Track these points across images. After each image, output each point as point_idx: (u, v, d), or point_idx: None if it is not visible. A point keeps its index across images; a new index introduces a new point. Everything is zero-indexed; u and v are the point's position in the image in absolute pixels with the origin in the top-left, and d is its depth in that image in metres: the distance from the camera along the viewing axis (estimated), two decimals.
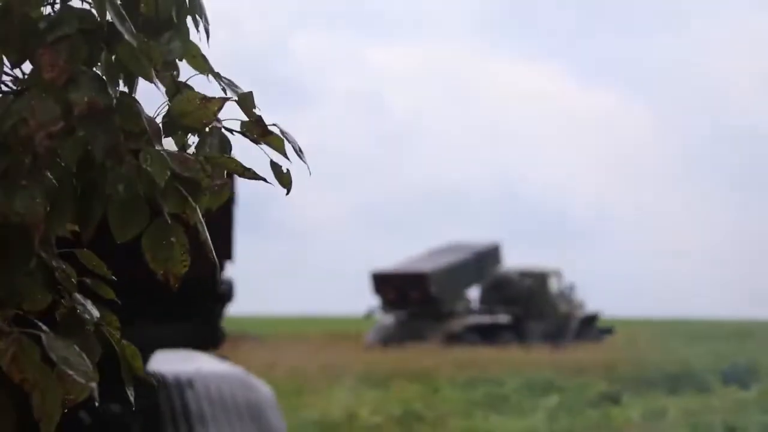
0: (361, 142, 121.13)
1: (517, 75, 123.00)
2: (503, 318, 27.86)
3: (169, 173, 1.52)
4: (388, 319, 28.10)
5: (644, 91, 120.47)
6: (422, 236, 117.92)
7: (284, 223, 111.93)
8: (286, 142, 1.68)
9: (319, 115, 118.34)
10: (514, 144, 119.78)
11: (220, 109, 1.61)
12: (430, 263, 27.91)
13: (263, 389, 6.47)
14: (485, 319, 27.72)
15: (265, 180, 1.67)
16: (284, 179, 1.69)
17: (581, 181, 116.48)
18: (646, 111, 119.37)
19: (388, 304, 27.91)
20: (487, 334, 26.43)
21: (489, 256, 29.34)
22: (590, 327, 29.16)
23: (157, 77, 1.60)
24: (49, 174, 1.49)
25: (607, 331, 30.10)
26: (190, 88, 1.67)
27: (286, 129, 1.69)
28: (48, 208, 1.47)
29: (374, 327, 28.29)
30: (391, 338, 26.09)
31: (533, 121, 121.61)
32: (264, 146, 1.69)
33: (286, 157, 1.68)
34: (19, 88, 1.54)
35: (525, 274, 29.26)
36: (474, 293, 29.21)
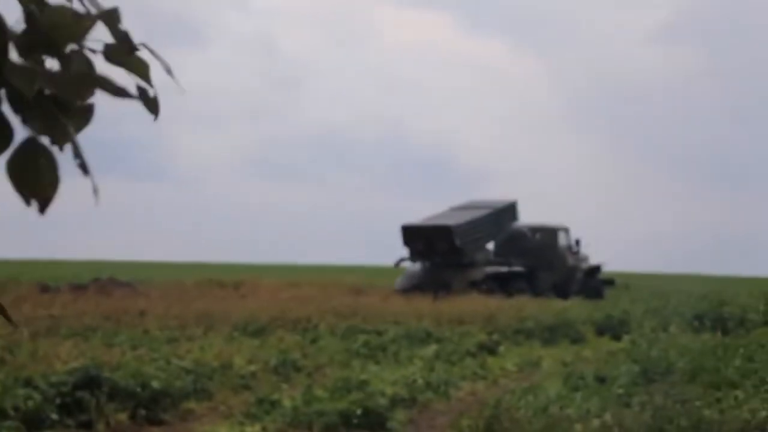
0: (250, 85, 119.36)
1: (404, 21, 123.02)
2: (518, 268, 30.22)
3: (36, 88, 1.38)
4: (415, 268, 30.30)
5: (531, 40, 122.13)
6: (310, 181, 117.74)
7: (168, 168, 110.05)
8: (150, 68, 1.57)
9: (207, 56, 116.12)
10: (402, 90, 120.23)
11: (92, 25, 1.49)
12: (455, 218, 30.08)
13: None
14: (503, 268, 29.92)
15: (139, 99, 1.56)
16: (151, 104, 1.58)
17: (468, 128, 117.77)
18: (533, 60, 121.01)
19: (416, 254, 30.04)
20: (504, 283, 28.71)
21: (506, 212, 31.72)
22: (594, 278, 32.18)
23: None
24: None
25: (610, 282, 32.95)
26: (48, 5, 1.50)
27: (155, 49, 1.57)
28: None
29: (403, 274, 30.53)
30: (418, 285, 28.27)
31: (421, 68, 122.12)
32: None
33: (149, 83, 1.57)
34: None
35: (537, 230, 31.92)
36: (490, 246, 31.33)
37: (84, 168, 1.49)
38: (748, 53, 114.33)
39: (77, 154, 1.48)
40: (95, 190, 1.49)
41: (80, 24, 1.48)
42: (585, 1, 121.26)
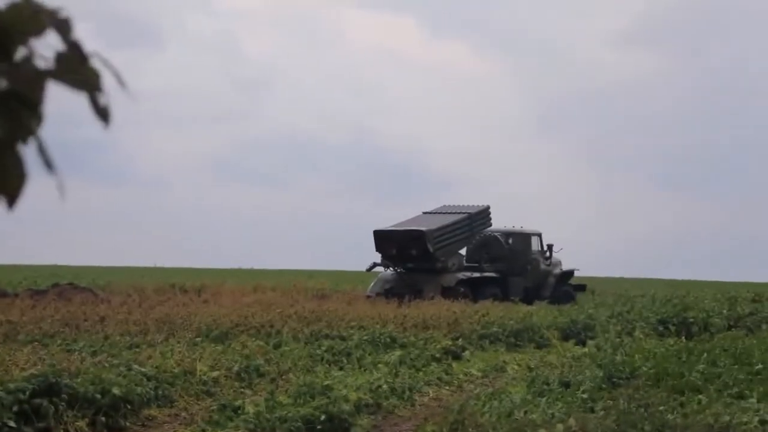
0: (213, 87, 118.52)
1: (370, 24, 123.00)
2: (491, 273, 30.29)
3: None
4: (388, 273, 30.27)
5: (497, 43, 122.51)
6: (274, 185, 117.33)
7: (129, 171, 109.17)
8: (103, 75, 1.54)
9: (169, 58, 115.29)
10: (369, 93, 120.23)
11: (50, 21, 1.46)
12: (427, 223, 30.07)
13: None
14: (475, 273, 29.95)
15: (90, 108, 1.53)
16: (102, 113, 1.54)
17: (436, 131, 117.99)
18: (500, 63, 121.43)
19: (389, 260, 29.97)
20: (476, 288, 28.68)
21: (480, 217, 31.58)
22: (566, 283, 32.48)
23: None
24: None
25: (581, 287, 32.88)
26: None
27: (107, 58, 1.54)
28: None
29: (375, 280, 30.54)
30: (390, 290, 28.35)
31: (387, 71, 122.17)
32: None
33: (101, 92, 1.54)
34: None
35: (510, 235, 32.04)
36: (463, 251, 31.33)
37: (49, 164, 1.47)
38: (712, 56, 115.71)
39: (42, 150, 1.46)
40: (61, 188, 1.47)
41: (39, 20, 1.45)
42: (549, 4, 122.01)
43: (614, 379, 11.66)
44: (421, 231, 29.17)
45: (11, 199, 1.46)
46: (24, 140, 1.46)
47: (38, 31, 1.46)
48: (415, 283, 28.65)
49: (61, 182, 1.48)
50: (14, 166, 1.44)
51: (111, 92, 1.58)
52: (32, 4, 1.46)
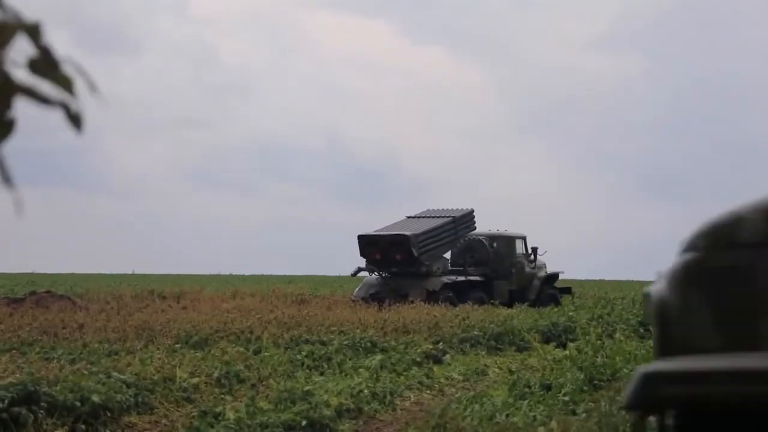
0: (188, 93, 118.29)
1: (344, 29, 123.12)
2: (476, 277, 30.41)
3: None
4: (373, 278, 30.37)
5: (472, 48, 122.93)
6: (250, 191, 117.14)
7: (106, 178, 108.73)
8: (77, 81, 1.51)
9: (144, 64, 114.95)
10: (344, 99, 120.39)
11: (10, 37, 1.42)
12: (412, 227, 30.17)
13: None
14: (460, 277, 29.99)
15: (62, 114, 1.49)
16: (75, 119, 1.50)
17: (409, 137, 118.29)
18: (475, 67, 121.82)
19: (373, 264, 30.10)
20: (461, 292, 28.74)
21: (464, 221, 31.68)
22: (551, 286, 32.54)
23: None
24: None
25: (566, 290, 32.86)
26: None
27: (81, 64, 1.51)
28: None
29: (361, 284, 30.66)
30: (376, 295, 28.47)
31: (362, 76, 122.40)
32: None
33: (74, 98, 1.50)
34: None
35: (494, 238, 32.05)
36: (447, 255, 31.42)
37: (7, 178, 1.43)
38: (685, 59, 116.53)
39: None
40: (19, 204, 1.44)
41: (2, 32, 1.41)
42: (524, 9, 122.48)
43: (595, 382, 11.67)
44: (406, 236, 29.25)
45: None
46: None
47: (3, 43, 1.43)
48: (400, 287, 28.73)
49: (19, 197, 1.44)
50: None
51: (86, 99, 1.54)
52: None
